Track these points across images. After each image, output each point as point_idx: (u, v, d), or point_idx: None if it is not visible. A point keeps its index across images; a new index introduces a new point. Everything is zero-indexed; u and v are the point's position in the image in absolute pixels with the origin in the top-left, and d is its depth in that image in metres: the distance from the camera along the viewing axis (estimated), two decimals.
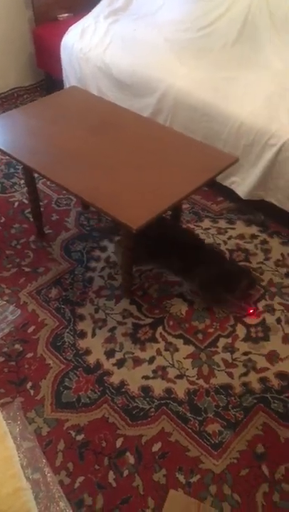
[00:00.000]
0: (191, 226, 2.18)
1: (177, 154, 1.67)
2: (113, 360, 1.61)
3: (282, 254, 2.06)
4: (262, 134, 1.96)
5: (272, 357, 1.65)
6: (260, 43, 2.34)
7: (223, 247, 2.08)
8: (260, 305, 1.83)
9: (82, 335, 1.69)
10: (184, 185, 1.51)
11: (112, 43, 2.51)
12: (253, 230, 2.19)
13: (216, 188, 2.34)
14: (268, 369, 1.61)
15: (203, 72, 2.23)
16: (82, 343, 1.66)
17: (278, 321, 1.77)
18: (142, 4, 2.78)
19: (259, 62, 2.31)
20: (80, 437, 1.40)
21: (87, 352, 1.64)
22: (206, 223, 2.21)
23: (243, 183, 2.16)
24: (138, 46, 2.47)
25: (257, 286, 1.88)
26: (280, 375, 1.59)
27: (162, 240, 1.80)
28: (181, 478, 1.32)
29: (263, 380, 1.57)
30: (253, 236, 2.15)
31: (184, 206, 2.27)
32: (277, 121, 1.94)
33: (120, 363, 1.60)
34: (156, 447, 1.39)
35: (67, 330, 1.70)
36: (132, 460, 1.35)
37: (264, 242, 2.12)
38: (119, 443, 1.39)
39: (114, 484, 1.30)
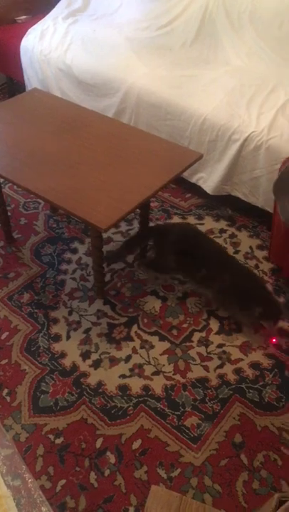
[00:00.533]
0: (161, 223, 2.19)
1: (142, 153, 1.68)
2: (89, 362, 1.61)
3: (250, 247, 2.10)
4: (225, 130, 1.99)
5: (245, 348, 1.68)
6: (218, 41, 2.38)
7: None
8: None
9: (57, 338, 1.68)
10: (150, 184, 1.52)
11: (72, 44, 2.50)
12: (222, 224, 2.22)
13: (183, 185, 2.37)
14: (241, 360, 1.64)
15: (164, 71, 2.25)
16: (57, 347, 1.65)
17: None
18: (101, 4, 2.78)
19: (218, 59, 2.35)
20: (59, 441, 1.39)
21: (63, 355, 1.63)
22: (176, 220, 2.23)
23: (209, 179, 2.19)
24: (99, 46, 2.47)
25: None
26: (254, 365, 1.62)
27: (189, 248, 1.79)
28: (162, 473, 1.33)
29: (237, 371, 1.60)
30: (222, 230, 2.18)
31: (153, 204, 2.29)
32: (239, 117, 1.98)
33: (96, 364, 1.60)
34: (136, 445, 1.39)
35: (41, 334, 1.69)
36: (112, 459, 1.36)
37: (233, 235, 2.16)
38: (99, 443, 1.39)
39: (96, 485, 1.30)
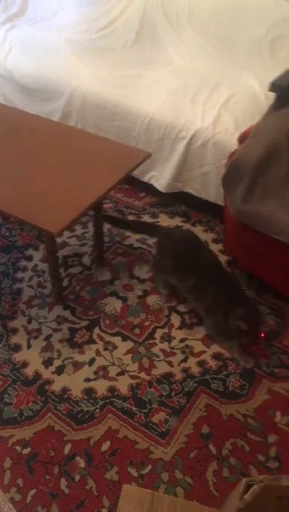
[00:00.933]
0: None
1: (90, 155, 1.68)
2: (52, 368, 1.59)
3: (206, 241, 2.13)
4: (171, 129, 2.02)
5: (207, 340, 1.71)
6: (159, 41, 2.41)
7: (149, 241, 2.12)
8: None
9: (17, 348, 1.65)
10: (99, 185, 1.52)
11: (12, 49, 2.46)
12: (177, 221, 2.25)
13: (136, 185, 2.38)
14: (204, 352, 1.67)
15: (107, 72, 2.26)
16: (18, 356, 1.62)
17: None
18: (38, 8, 2.75)
19: (160, 59, 2.38)
20: (26, 451, 1.37)
21: (25, 364, 1.60)
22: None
23: (160, 177, 2.21)
24: (39, 50, 2.45)
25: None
26: (216, 356, 1.65)
27: (186, 255, 1.75)
28: (133, 471, 1.34)
29: (201, 363, 1.63)
30: (177, 227, 2.21)
31: (107, 205, 2.29)
32: (184, 115, 2.01)
33: (60, 370, 1.58)
34: (106, 446, 1.39)
35: (1, 345, 1.65)
36: (82, 464, 1.35)
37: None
38: (67, 449, 1.38)
39: (67, 491, 1.29)
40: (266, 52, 2.17)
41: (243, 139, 1.64)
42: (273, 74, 1.76)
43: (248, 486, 1.02)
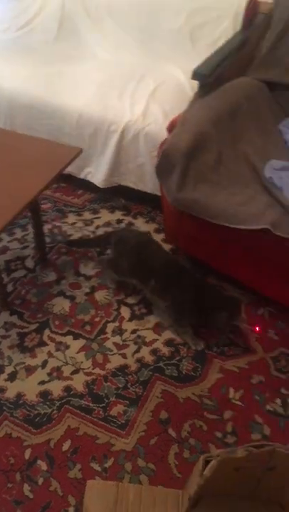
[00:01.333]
0: (57, 224, 2.17)
1: (21, 155, 1.65)
2: (4, 376, 1.56)
3: (148, 233, 2.16)
4: (102, 123, 2.02)
5: (158, 328, 1.73)
6: (81, 36, 2.40)
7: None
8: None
9: None
10: (32, 186, 1.49)
11: None
12: (118, 215, 2.26)
13: (73, 182, 2.36)
14: (156, 340, 1.69)
15: (31, 70, 2.22)
16: None
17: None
18: None
19: (84, 54, 2.36)
20: None
21: None
22: (72, 218, 2.23)
23: (97, 173, 2.21)
24: None
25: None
26: (168, 342, 1.68)
27: (144, 258, 1.74)
28: (96, 466, 1.34)
29: (154, 352, 1.65)
30: (119, 221, 2.22)
31: (46, 206, 2.26)
32: (113, 109, 2.02)
33: (12, 376, 1.56)
34: (66, 446, 1.38)
35: None
36: (44, 466, 1.33)
37: (130, 224, 2.21)
38: (27, 454, 1.36)
39: (31, 496, 1.28)
40: (187, 41, 2.21)
41: (171, 128, 1.67)
42: (196, 62, 1.80)
43: (207, 462, 1.06)
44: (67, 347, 1.66)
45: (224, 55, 1.82)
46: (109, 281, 1.88)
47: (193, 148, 1.57)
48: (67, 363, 1.61)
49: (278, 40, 1.87)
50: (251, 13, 1.96)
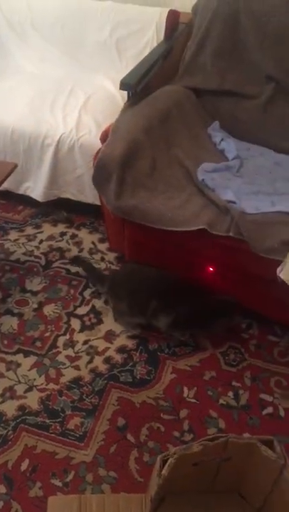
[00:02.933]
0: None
1: None
2: None
3: (92, 243, 2.17)
4: (36, 137, 2.01)
5: (110, 336, 1.74)
6: (7, 51, 2.38)
7: (36, 253, 2.10)
8: (86, 294, 1.90)
9: None
10: None
11: None
12: (60, 228, 2.25)
13: (13, 199, 2.33)
14: (108, 348, 1.70)
15: None
16: None
17: (106, 302, 1.87)
18: None
19: (11, 69, 2.35)
20: None
21: None
22: (14, 235, 2.19)
23: (36, 187, 2.19)
24: None
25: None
26: (121, 350, 1.69)
27: (134, 287, 1.71)
28: (57, 482, 1.33)
29: (107, 360, 1.66)
30: (62, 234, 2.21)
31: None
32: (46, 122, 2.02)
33: None
34: (25, 465, 1.36)
35: None
36: (3, 489, 1.30)
37: (74, 236, 2.21)
38: None
39: None
40: (114, 52, 2.25)
41: (104, 138, 1.69)
42: (124, 73, 1.84)
43: (164, 462, 1.08)
44: (19, 365, 1.63)
45: (150, 64, 1.87)
46: (132, 328, 1.76)
47: (128, 156, 1.60)
48: (19, 382, 1.58)
49: (199, 48, 1.95)
50: (172, 24, 2.03)
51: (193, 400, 1.54)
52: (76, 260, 2.02)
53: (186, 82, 1.99)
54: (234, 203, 1.56)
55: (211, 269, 1.69)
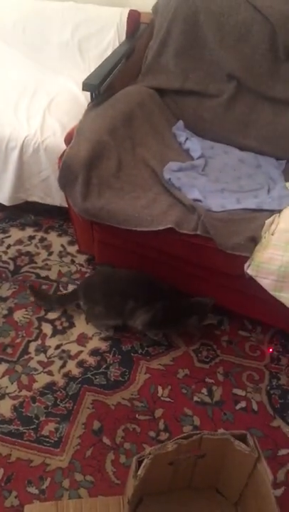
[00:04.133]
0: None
1: None
2: None
3: (62, 245, 2.15)
4: None
5: (82, 339, 1.73)
6: None
7: (4, 258, 2.06)
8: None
9: None
10: None
11: None
12: (28, 231, 2.22)
13: None
14: (81, 352, 1.69)
15: None
16: None
17: (77, 305, 1.86)
18: None
19: None
20: None
21: None
22: None
23: (1, 191, 2.15)
24: None
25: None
26: (94, 352, 1.69)
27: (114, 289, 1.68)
28: (33, 490, 1.31)
29: (80, 364, 1.65)
30: (31, 237, 2.18)
31: None
32: (9, 125, 1.98)
33: None
34: None
35: None
36: None
37: (42, 239, 2.18)
38: None
39: None
40: (76, 54, 2.23)
41: (69, 139, 1.68)
42: (87, 74, 1.82)
43: (140, 463, 1.08)
44: None
45: (112, 64, 1.86)
46: (106, 329, 1.76)
47: (93, 157, 1.59)
48: None
49: (161, 48, 1.95)
50: (133, 24, 2.03)
51: (168, 399, 1.55)
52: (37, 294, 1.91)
53: (149, 81, 1.99)
54: (200, 201, 1.57)
55: (181, 267, 1.70)
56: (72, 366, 1.64)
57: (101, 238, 1.81)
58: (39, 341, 1.72)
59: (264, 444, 1.43)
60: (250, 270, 1.41)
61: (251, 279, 1.43)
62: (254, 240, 1.41)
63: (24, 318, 1.80)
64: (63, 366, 1.64)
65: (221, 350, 1.71)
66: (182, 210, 1.53)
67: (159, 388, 1.58)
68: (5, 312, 1.82)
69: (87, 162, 1.57)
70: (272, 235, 1.42)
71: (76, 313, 1.82)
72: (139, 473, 1.05)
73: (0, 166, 2.07)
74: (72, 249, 2.12)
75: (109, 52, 2.07)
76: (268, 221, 1.46)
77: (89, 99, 1.87)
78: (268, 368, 1.66)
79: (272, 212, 1.53)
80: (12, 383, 1.58)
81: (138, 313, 1.65)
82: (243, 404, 1.54)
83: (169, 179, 1.65)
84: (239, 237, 1.42)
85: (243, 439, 1.10)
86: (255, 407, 1.54)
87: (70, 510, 1.19)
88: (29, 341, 1.72)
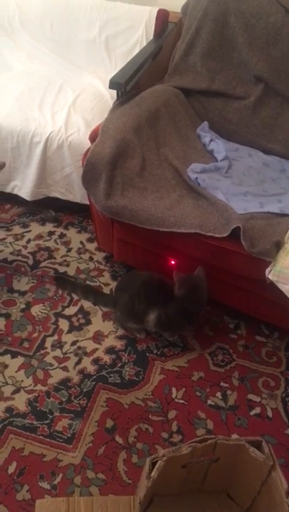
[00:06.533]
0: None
1: None
2: None
3: (81, 242, 2.15)
4: (24, 135, 1.99)
5: (98, 337, 1.74)
6: None
7: (24, 252, 2.08)
8: (74, 294, 1.89)
9: None
10: None
11: None
12: (48, 227, 2.23)
13: (0, 197, 2.31)
14: (97, 349, 1.69)
15: None
16: None
17: (94, 302, 1.86)
18: None
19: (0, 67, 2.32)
20: None
21: None
22: (1, 234, 2.17)
23: (24, 186, 2.17)
24: None
25: None
26: (109, 350, 1.69)
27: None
28: (45, 484, 1.32)
29: (95, 361, 1.65)
30: (50, 233, 2.20)
31: None
32: (34, 120, 1.99)
33: None
34: (12, 468, 1.34)
35: None
36: None
37: (62, 235, 2.19)
38: None
39: None
40: (103, 51, 2.23)
41: (93, 137, 1.68)
42: (113, 72, 1.83)
43: (153, 464, 1.07)
44: (6, 366, 1.62)
45: (139, 63, 1.86)
46: (139, 333, 1.76)
47: (117, 156, 1.59)
48: (6, 383, 1.57)
49: (189, 48, 1.94)
50: (161, 23, 2.02)
51: (182, 401, 1.54)
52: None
53: (175, 81, 1.99)
54: None
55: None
56: (87, 363, 1.64)
57: (120, 236, 1.81)
58: (55, 337, 1.73)
59: (278, 451, 1.42)
60: (271, 275, 1.40)
61: (271, 284, 1.41)
62: (278, 245, 1.40)
63: (41, 313, 1.81)
64: (78, 363, 1.64)
65: (237, 354, 1.69)
66: (206, 213, 1.52)
67: (173, 390, 1.57)
68: (23, 306, 1.83)
69: (111, 160, 1.57)
70: None
71: (93, 311, 1.82)
72: (152, 474, 1.04)
73: (24, 161, 2.08)
74: (91, 246, 2.13)
75: (136, 51, 2.08)
76: None
77: (114, 97, 1.87)
78: (284, 374, 1.64)
79: None
80: (28, 377, 1.59)
81: (147, 315, 1.65)
82: (257, 410, 1.53)
83: (196, 178, 1.64)
84: (266, 241, 1.41)
85: (258, 445, 1.08)
86: (269, 413, 1.52)
87: (81, 508, 1.19)
88: (46, 336, 1.73)
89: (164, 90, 1.93)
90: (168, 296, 1.62)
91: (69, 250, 2.11)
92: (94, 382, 1.58)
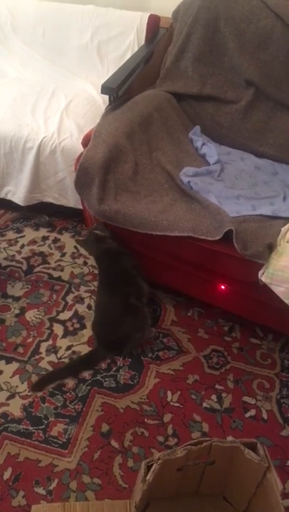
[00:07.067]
0: None
1: None
2: None
3: (75, 247, 2.15)
4: (17, 141, 1.99)
5: (93, 341, 1.73)
6: None
7: (18, 257, 2.07)
8: (69, 299, 1.89)
9: None
10: None
11: None
12: (42, 232, 2.23)
13: None
14: None
15: None
16: None
17: (89, 307, 1.86)
18: None
19: None
20: None
21: None
22: None
23: (17, 191, 2.17)
24: None
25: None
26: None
27: None
28: (40, 490, 1.31)
29: None
30: (44, 238, 2.20)
31: None
32: (27, 125, 2.00)
33: None
34: (7, 474, 1.34)
35: None
36: None
37: (56, 240, 2.19)
38: None
39: None
40: (95, 57, 2.24)
41: (86, 142, 1.69)
42: (105, 77, 1.83)
43: (149, 468, 1.07)
44: (1, 372, 1.61)
45: (131, 68, 1.87)
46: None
47: (110, 160, 1.59)
48: (1, 389, 1.56)
49: (180, 53, 1.96)
50: (153, 28, 2.04)
51: (177, 404, 1.54)
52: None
53: (167, 86, 2.00)
54: None
55: (192, 272, 1.69)
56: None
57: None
58: (50, 341, 1.73)
59: (273, 453, 1.42)
60: (264, 277, 1.40)
61: (265, 286, 1.42)
62: (270, 248, 1.41)
63: (36, 318, 1.81)
64: None
65: (232, 357, 1.70)
66: (199, 216, 1.53)
67: (169, 393, 1.57)
68: (17, 311, 1.83)
69: (104, 165, 1.57)
70: (288, 242, 1.41)
71: (87, 315, 1.83)
72: (147, 478, 1.05)
73: (17, 167, 2.09)
74: (85, 251, 2.13)
75: (128, 56, 2.08)
76: (283, 228, 1.45)
77: (106, 103, 1.88)
78: (279, 376, 1.65)
79: (287, 219, 1.52)
80: (22, 383, 1.58)
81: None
82: (252, 412, 1.53)
83: (188, 182, 1.65)
84: (258, 244, 1.41)
85: (252, 447, 1.09)
86: (264, 415, 1.53)
87: None
88: (40, 341, 1.72)
89: (156, 95, 1.94)
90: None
91: (63, 255, 2.11)
92: (89, 387, 1.58)
